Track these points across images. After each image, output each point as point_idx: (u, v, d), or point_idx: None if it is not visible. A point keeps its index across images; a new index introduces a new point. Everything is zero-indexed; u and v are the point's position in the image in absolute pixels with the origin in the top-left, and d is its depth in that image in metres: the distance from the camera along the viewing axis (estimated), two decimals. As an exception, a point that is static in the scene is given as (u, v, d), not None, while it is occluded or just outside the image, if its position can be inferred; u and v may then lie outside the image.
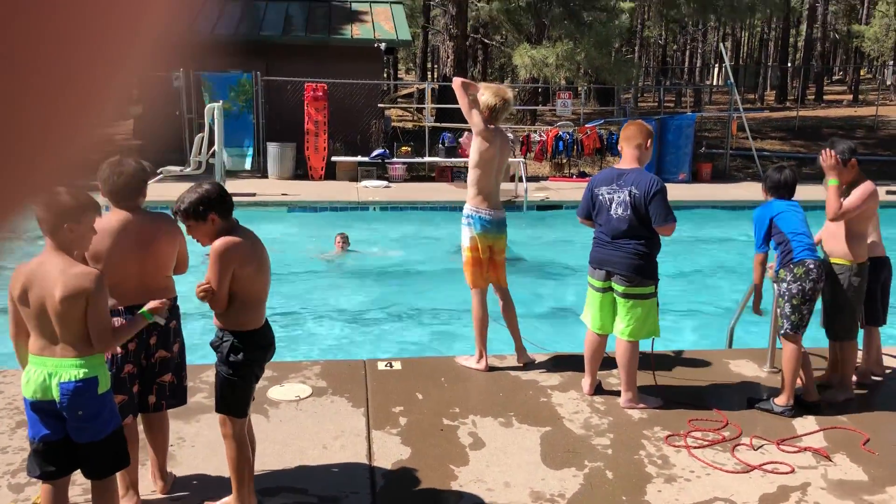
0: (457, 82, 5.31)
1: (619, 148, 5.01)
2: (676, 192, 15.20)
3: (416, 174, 16.40)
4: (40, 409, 2.99)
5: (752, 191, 15.73)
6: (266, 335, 3.48)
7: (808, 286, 4.64)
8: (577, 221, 5.00)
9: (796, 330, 4.67)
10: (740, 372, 5.46)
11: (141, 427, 3.72)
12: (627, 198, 4.59)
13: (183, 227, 3.45)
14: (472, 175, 5.22)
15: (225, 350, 3.36)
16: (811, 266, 4.65)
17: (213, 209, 3.29)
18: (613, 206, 4.65)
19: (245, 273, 3.32)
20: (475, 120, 5.19)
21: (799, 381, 4.78)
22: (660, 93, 32.14)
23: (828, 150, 4.83)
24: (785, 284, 4.70)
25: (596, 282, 4.80)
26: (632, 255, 4.61)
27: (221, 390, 3.40)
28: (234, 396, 3.39)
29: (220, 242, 3.28)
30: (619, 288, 4.69)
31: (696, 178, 16.99)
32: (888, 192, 15.63)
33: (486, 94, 5.23)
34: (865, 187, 4.81)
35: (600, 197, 4.72)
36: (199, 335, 6.24)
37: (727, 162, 18.13)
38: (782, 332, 4.74)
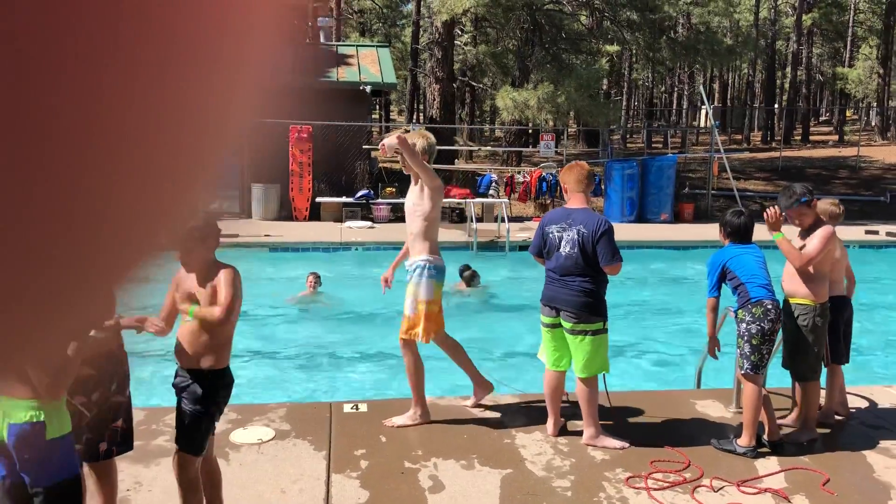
0: (400, 139, 4.93)
1: (563, 189, 5.09)
2: (656, 232, 15.36)
3: (400, 214, 16.47)
4: None
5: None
6: (229, 373, 3.56)
7: (767, 326, 4.69)
8: None
9: (756, 370, 4.70)
10: (706, 412, 5.47)
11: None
12: (576, 236, 4.68)
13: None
14: (431, 228, 5.07)
15: (194, 389, 3.41)
16: (769, 306, 4.70)
17: (212, 237, 3.37)
18: (562, 244, 4.73)
19: (236, 308, 3.39)
20: (432, 173, 5.05)
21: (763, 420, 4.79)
22: (646, 134, 32.53)
23: (772, 208, 4.92)
24: (744, 325, 4.74)
25: (546, 318, 4.90)
26: (578, 292, 4.68)
27: (189, 428, 3.43)
28: (200, 434, 3.45)
29: (232, 269, 3.40)
30: (566, 325, 4.76)
31: (678, 219, 17.15)
32: (867, 232, 15.79)
33: (419, 140, 5.10)
34: (825, 231, 4.88)
35: (550, 235, 4.81)
36: (154, 377, 6.23)
37: (709, 202, 18.31)
38: (742, 371, 4.77)
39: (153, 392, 6.42)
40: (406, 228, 5.22)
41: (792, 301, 4.96)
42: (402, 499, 4.15)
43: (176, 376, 3.52)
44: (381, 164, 19.91)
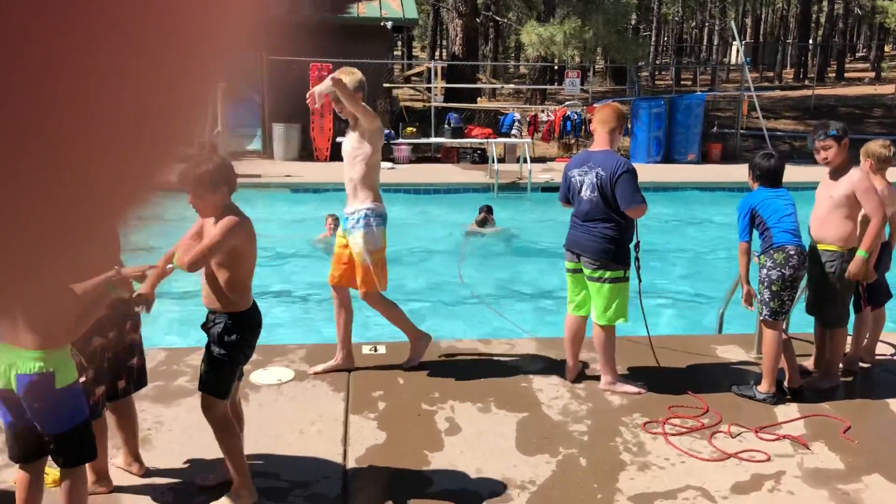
0: (335, 81, 4.55)
1: (591, 130, 4.98)
2: (682, 173, 15.10)
3: (421, 155, 16.35)
4: (4, 397, 3.02)
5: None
6: (255, 315, 3.53)
7: (788, 272, 4.59)
8: None
9: (776, 316, 4.63)
10: (727, 358, 5.42)
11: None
12: (594, 180, 4.58)
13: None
14: (372, 173, 4.78)
15: (218, 331, 3.40)
16: (791, 252, 4.59)
17: (225, 183, 3.31)
18: (583, 188, 4.64)
19: (245, 252, 3.37)
20: (371, 114, 4.71)
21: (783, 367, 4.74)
22: (675, 71, 31.76)
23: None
24: (765, 270, 4.65)
25: (568, 263, 4.86)
26: (600, 238, 4.61)
27: (210, 370, 3.43)
28: (222, 377, 3.44)
29: (233, 218, 3.32)
30: (586, 270, 4.71)
31: (706, 159, 16.83)
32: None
33: (347, 77, 4.61)
34: (862, 178, 4.70)
35: (573, 180, 4.72)
36: (183, 318, 6.28)
37: (738, 142, 17.92)
38: (762, 318, 4.70)
39: (171, 332, 6.50)
40: (344, 174, 4.88)
41: (819, 247, 4.84)
42: (419, 441, 4.18)
43: (206, 319, 3.53)
44: (402, 104, 19.67)
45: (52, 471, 3.66)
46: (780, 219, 4.61)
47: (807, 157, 13.31)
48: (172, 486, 3.73)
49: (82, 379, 3.41)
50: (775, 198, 4.68)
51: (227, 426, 3.47)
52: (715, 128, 18.37)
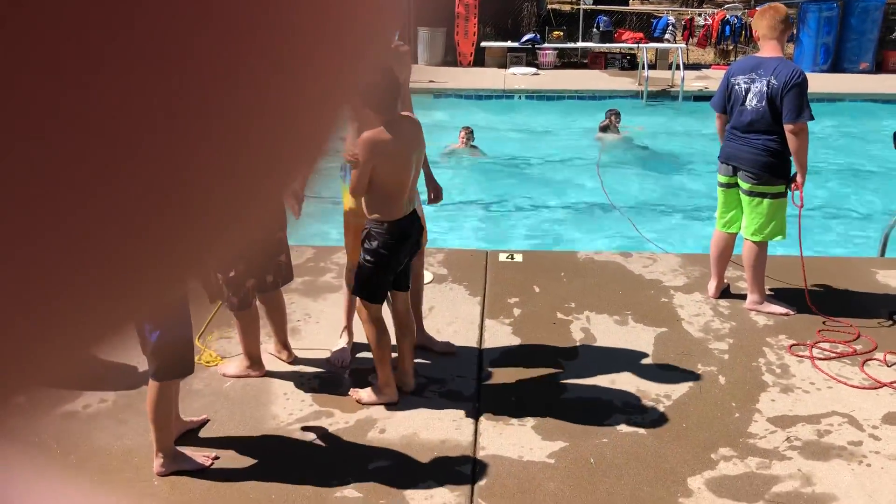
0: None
1: (754, 37, 4.59)
2: (854, 83, 13.84)
3: (567, 60, 15.85)
4: None
5: (946, 82, 14.03)
6: (402, 226, 3.52)
7: None
8: None
9: None
10: (887, 282, 5.06)
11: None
12: (765, 88, 4.26)
13: None
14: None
15: (362, 237, 3.52)
16: None
17: (386, 95, 3.32)
18: (749, 96, 4.33)
19: (386, 169, 3.39)
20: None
21: None
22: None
23: None
24: None
25: (722, 177, 4.62)
26: (762, 150, 4.33)
27: (358, 274, 3.57)
28: (368, 282, 3.54)
29: (368, 133, 3.36)
30: (744, 185, 4.46)
31: (881, 69, 15.31)
32: None
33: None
34: None
35: (736, 87, 4.41)
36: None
37: (921, 49, 16.14)
38: None
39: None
40: None
41: None
42: (552, 349, 4.21)
43: None
44: (549, 6, 19.01)
45: (207, 350, 3.99)
46: None
47: None
48: (318, 374, 3.97)
49: (232, 273, 3.64)
50: None
51: (375, 330, 3.57)
52: (895, 34, 16.61)
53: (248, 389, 3.80)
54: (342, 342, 4.17)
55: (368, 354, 3.78)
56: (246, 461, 3.30)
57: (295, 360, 4.05)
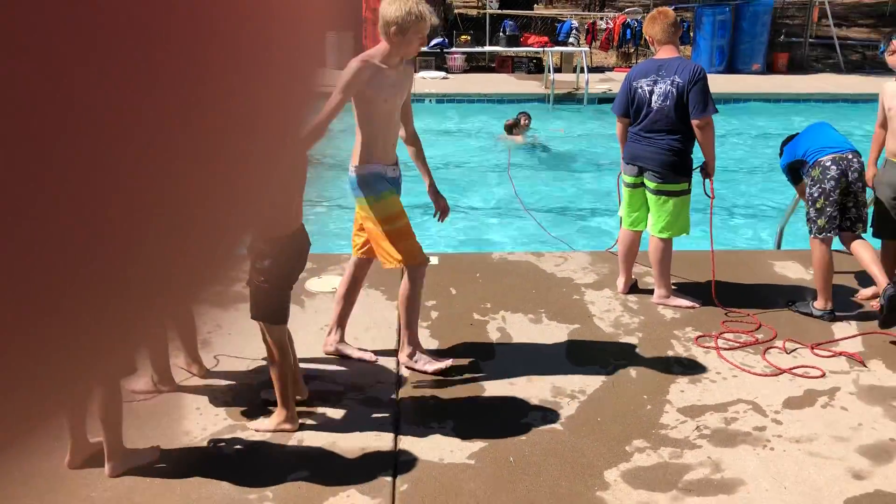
0: None
1: (649, 42, 4.74)
2: (747, 83, 14.51)
3: (475, 64, 16.02)
4: None
5: (829, 82, 14.88)
6: (297, 241, 3.43)
7: (829, 185, 4.51)
8: None
9: (822, 233, 4.53)
10: (784, 274, 5.32)
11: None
12: (669, 87, 4.42)
13: None
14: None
15: (252, 257, 3.42)
16: (827, 164, 4.52)
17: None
18: (654, 98, 4.48)
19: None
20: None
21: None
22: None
23: None
24: (808, 190, 4.62)
25: (628, 177, 4.76)
26: (665, 150, 4.49)
27: (255, 297, 3.42)
28: (267, 304, 3.42)
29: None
30: (650, 184, 4.61)
31: (771, 69, 16.12)
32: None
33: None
34: None
35: (640, 90, 4.55)
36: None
37: (806, 51, 17.08)
38: (811, 236, 4.61)
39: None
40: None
41: (892, 160, 4.69)
42: (471, 350, 4.24)
43: None
44: (456, 11, 19.16)
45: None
46: (812, 139, 4.71)
47: (880, 68, 12.63)
48: (231, 387, 3.87)
49: None
50: (810, 128, 4.88)
51: (279, 352, 3.41)
52: (782, 36, 17.50)
53: (158, 406, 3.67)
54: (351, 350, 4.16)
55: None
56: (158, 480, 3.18)
57: (207, 374, 3.94)
